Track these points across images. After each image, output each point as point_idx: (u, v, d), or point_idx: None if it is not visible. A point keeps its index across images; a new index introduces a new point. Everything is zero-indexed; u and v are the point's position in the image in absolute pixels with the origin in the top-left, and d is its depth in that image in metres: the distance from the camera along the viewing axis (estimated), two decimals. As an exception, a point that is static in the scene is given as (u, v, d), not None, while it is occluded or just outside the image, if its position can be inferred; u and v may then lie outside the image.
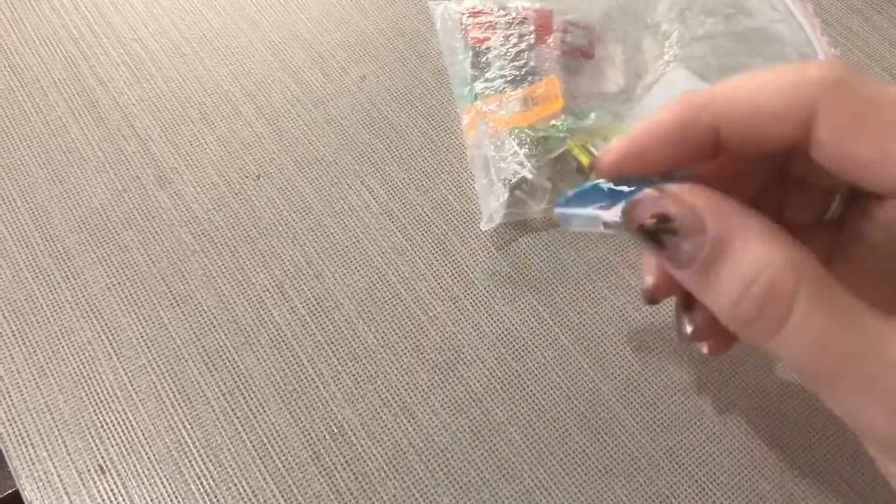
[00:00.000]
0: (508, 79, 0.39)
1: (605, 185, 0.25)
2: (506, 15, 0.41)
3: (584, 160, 0.37)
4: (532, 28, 0.41)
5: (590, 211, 0.26)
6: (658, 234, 0.23)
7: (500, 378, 0.33)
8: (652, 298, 0.27)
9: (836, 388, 0.21)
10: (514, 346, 0.34)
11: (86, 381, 0.32)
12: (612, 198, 0.25)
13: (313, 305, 0.35)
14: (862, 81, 0.21)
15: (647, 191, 0.23)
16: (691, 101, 0.24)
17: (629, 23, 0.43)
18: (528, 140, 0.37)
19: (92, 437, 0.31)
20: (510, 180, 0.36)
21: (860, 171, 0.21)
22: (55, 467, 0.30)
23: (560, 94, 0.38)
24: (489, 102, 0.39)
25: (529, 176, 0.36)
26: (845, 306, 0.21)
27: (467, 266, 0.36)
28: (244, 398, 0.32)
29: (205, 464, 0.31)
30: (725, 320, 0.22)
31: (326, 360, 0.33)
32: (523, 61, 0.40)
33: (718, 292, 0.22)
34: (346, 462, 0.31)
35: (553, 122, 0.37)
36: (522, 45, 0.40)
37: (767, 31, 0.44)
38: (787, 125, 0.22)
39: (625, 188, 0.25)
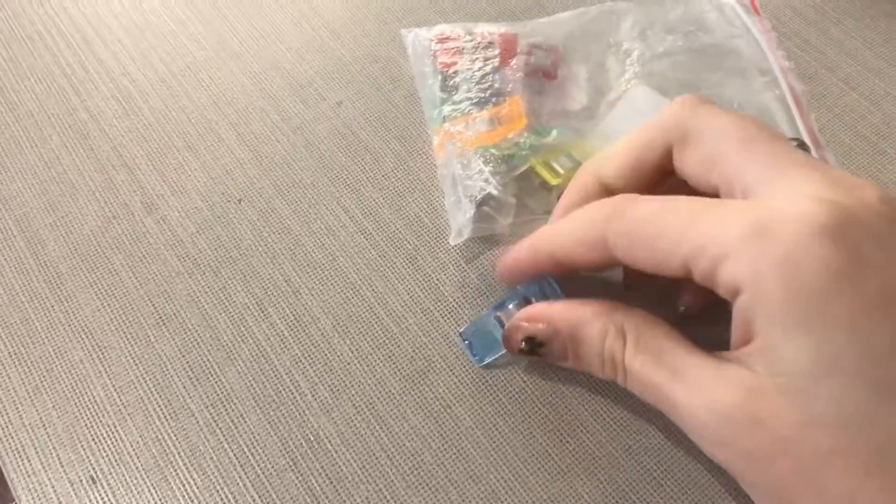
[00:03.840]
0: (474, 100, 0.41)
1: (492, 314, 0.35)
2: (472, 40, 0.43)
3: (547, 176, 0.39)
4: (497, 52, 0.43)
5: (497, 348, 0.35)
6: (533, 349, 0.32)
7: (468, 385, 0.35)
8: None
9: (662, 409, 0.28)
10: (481, 354, 0.36)
11: (78, 397, 0.35)
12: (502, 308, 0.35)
13: (291, 321, 0.37)
14: (632, 206, 0.29)
15: (508, 326, 0.33)
16: (534, 245, 0.33)
17: (592, 42, 0.45)
18: (494, 158, 0.39)
19: (83, 449, 0.33)
20: (476, 197, 0.38)
21: (651, 271, 0.29)
22: (49, 479, 0.32)
23: (524, 113, 0.40)
24: (457, 123, 0.41)
25: (495, 192, 0.38)
26: (659, 350, 0.28)
27: (438, 279, 0.38)
28: (226, 410, 0.34)
29: (189, 472, 0.33)
30: (603, 378, 0.31)
31: (304, 373, 0.35)
32: (488, 83, 0.42)
33: (588, 366, 0.31)
34: (322, 468, 0.33)
35: (517, 140, 0.39)
36: (487, 68, 0.42)
37: (726, 47, 0.46)
38: (595, 254, 0.30)
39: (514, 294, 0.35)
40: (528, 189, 0.40)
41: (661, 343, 0.29)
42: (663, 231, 0.27)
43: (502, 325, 0.34)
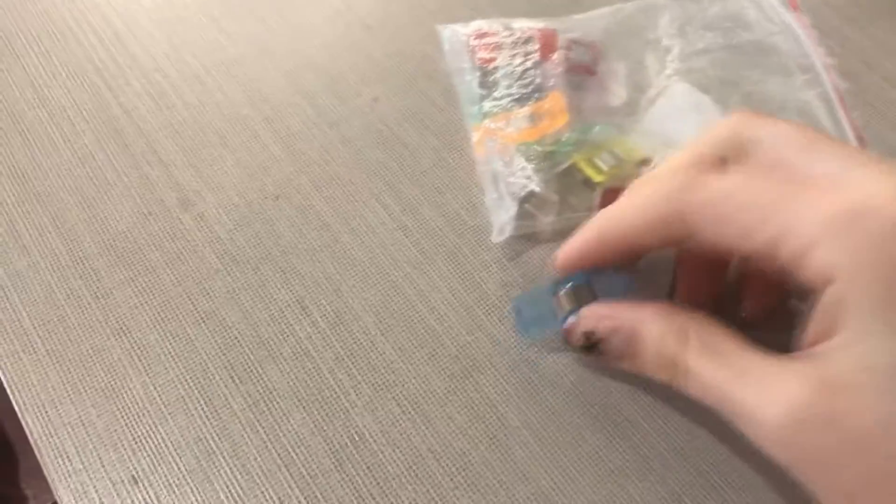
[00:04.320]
0: (515, 97, 0.41)
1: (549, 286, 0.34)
2: (511, 35, 0.43)
3: (591, 173, 0.38)
4: (537, 47, 0.42)
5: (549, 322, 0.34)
6: (592, 346, 0.32)
7: (514, 384, 0.35)
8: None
9: (723, 410, 0.28)
10: (526, 353, 0.35)
11: (117, 397, 0.34)
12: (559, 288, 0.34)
13: (332, 319, 0.36)
14: (716, 178, 0.28)
15: (570, 320, 0.32)
16: (600, 228, 0.32)
17: (631, 39, 0.45)
18: (536, 155, 0.38)
19: (124, 449, 0.33)
20: (519, 194, 0.38)
21: (735, 247, 0.27)
22: (90, 479, 0.32)
23: (565, 109, 0.40)
24: (497, 120, 0.40)
25: (537, 189, 0.38)
26: (723, 351, 0.28)
27: (480, 277, 0.38)
28: (269, 409, 0.34)
29: (233, 473, 0.32)
30: (658, 380, 0.30)
31: (346, 371, 0.35)
32: (529, 79, 0.41)
33: (645, 365, 0.30)
34: (368, 468, 0.32)
35: (559, 136, 0.39)
36: (528, 64, 0.41)
37: (765, 43, 0.45)
38: (669, 230, 0.29)
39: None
40: (570, 186, 0.39)
41: (725, 344, 0.28)
42: (750, 206, 0.26)
43: (558, 303, 0.33)
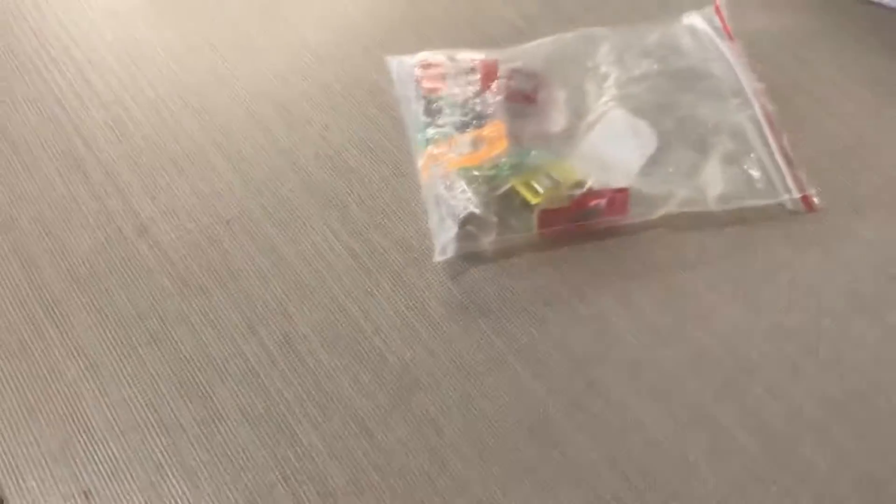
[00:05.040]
0: (457, 124, 0.43)
1: None
2: (455, 65, 0.45)
3: (528, 195, 0.40)
4: (478, 76, 0.44)
5: None
6: None
7: (454, 399, 0.36)
8: None
9: None
10: (467, 369, 0.37)
11: (72, 416, 0.35)
12: None
13: (280, 340, 0.38)
14: None
15: None
16: None
17: (571, 67, 0.47)
18: (476, 179, 0.40)
19: (78, 465, 0.34)
20: (460, 216, 0.39)
21: None
22: (42, 495, 0.33)
23: (505, 135, 0.42)
24: (441, 146, 0.42)
25: (477, 211, 0.39)
26: None
27: (423, 297, 0.39)
28: (217, 426, 0.35)
29: (181, 487, 0.34)
30: None
31: (293, 390, 0.36)
32: (470, 107, 0.43)
33: None
34: (311, 482, 0.34)
35: (497, 161, 0.41)
36: (470, 93, 0.44)
37: (700, 70, 0.47)
38: None
39: None
40: (509, 208, 0.41)
41: None
42: None
43: None
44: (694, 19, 0.50)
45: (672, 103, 0.46)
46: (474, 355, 0.37)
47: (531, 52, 0.47)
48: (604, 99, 0.45)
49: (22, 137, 0.45)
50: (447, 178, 0.41)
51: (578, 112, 0.45)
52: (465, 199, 0.40)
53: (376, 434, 0.35)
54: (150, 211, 0.42)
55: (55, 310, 0.38)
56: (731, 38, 0.49)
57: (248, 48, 0.50)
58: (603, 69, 0.47)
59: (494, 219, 0.40)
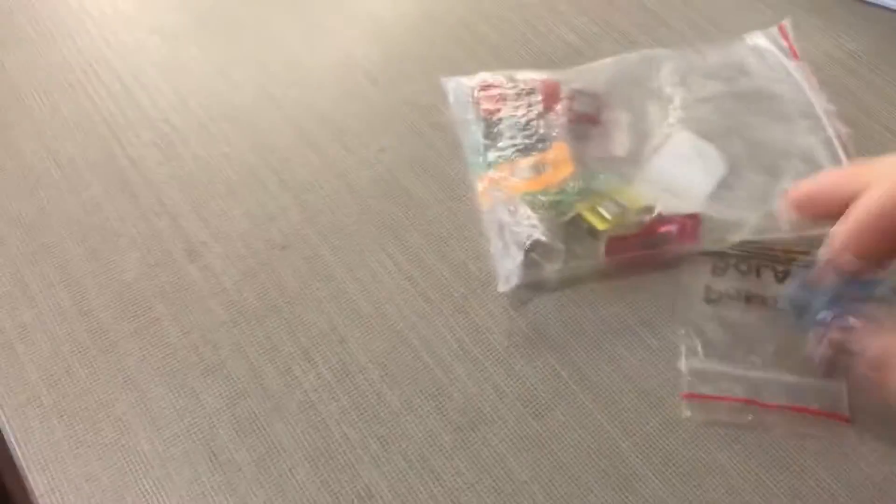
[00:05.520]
0: (519, 147, 0.41)
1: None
2: (515, 87, 0.43)
3: (595, 222, 0.39)
4: (540, 98, 0.43)
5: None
6: (836, 363, 0.32)
7: (521, 437, 0.34)
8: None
9: None
10: (534, 405, 0.35)
11: (122, 451, 0.34)
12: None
13: (338, 370, 0.36)
14: None
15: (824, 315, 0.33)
16: (838, 181, 0.35)
17: (633, 88, 0.45)
18: (541, 204, 0.39)
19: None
20: (525, 243, 0.38)
21: None
22: (94, 536, 0.32)
23: (569, 159, 0.40)
24: (501, 170, 0.41)
25: (543, 238, 0.38)
26: None
27: (486, 327, 0.38)
28: (274, 463, 0.33)
29: (238, 529, 0.32)
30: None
31: (352, 424, 0.35)
32: (533, 130, 0.41)
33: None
34: (375, 524, 0.32)
35: (563, 186, 0.39)
36: (532, 115, 0.42)
37: (767, 91, 0.46)
38: None
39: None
40: (575, 235, 0.39)
41: None
42: None
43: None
44: (758, 40, 0.48)
45: (740, 125, 0.44)
46: (541, 390, 0.36)
47: (592, 73, 0.46)
48: (669, 121, 0.44)
49: (68, 157, 0.43)
50: (510, 203, 0.39)
51: (643, 134, 0.43)
52: (530, 226, 0.38)
53: (441, 473, 0.33)
54: (200, 234, 0.40)
55: (103, 337, 0.37)
56: (797, 57, 0.47)
57: (296, 67, 0.48)
58: (667, 90, 0.45)
59: (561, 246, 0.38)
